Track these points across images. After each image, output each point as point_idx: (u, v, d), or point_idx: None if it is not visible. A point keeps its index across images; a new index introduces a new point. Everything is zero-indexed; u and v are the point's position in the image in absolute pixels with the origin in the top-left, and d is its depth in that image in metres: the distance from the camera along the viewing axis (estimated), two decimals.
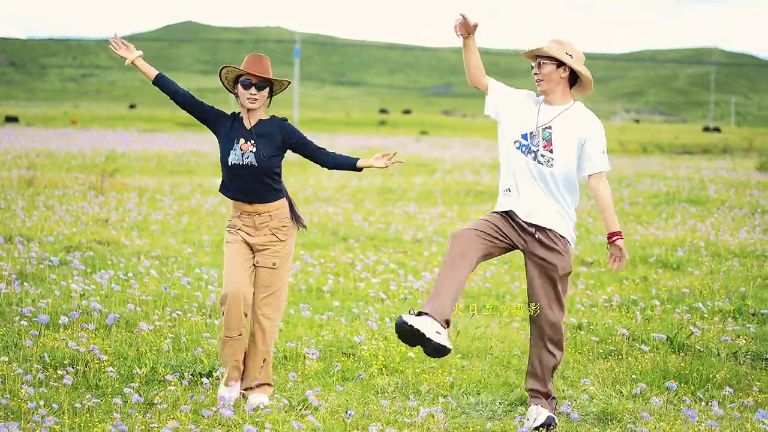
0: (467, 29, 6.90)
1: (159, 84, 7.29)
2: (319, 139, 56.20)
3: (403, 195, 23.18)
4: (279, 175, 7.14)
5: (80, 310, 9.11)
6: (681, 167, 35.17)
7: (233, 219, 7.19)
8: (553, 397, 7.03)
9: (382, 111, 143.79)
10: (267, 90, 7.11)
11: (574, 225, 7.01)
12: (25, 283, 10.23)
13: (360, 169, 7.21)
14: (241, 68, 7.09)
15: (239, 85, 7.10)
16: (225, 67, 7.12)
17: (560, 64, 6.86)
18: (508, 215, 6.94)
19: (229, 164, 7.06)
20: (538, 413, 6.85)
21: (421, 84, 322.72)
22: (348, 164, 7.20)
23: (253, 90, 7.05)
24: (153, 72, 7.25)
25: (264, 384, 7.22)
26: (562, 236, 6.88)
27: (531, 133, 6.87)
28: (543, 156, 6.82)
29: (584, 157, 6.89)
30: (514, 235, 6.91)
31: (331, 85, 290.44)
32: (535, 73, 6.92)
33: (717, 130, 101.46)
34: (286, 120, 7.22)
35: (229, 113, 7.26)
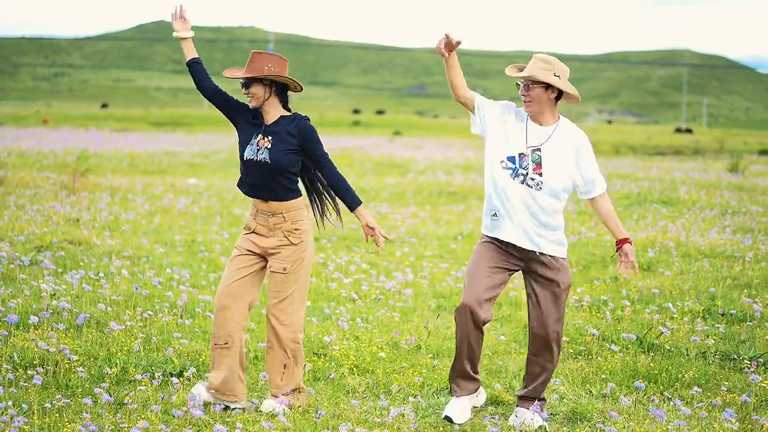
0: (449, 47, 6.83)
1: (190, 69, 7.26)
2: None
3: (376, 195, 23.19)
4: (295, 174, 7.02)
5: (50, 310, 9.08)
6: (653, 168, 35.33)
7: (249, 220, 7.11)
8: (544, 399, 7.09)
9: (356, 111, 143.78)
10: (261, 87, 6.95)
11: (566, 245, 6.99)
12: None
13: (351, 210, 7.03)
14: (226, 73, 7.06)
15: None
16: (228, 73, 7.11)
17: (548, 86, 6.77)
18: (500, 241, 6.92)
19: (245, 158, 7.00)
20: (534, 417, 6.89)
21: (394, 84, 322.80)
22: (346, 197, 7.01)
23: (245, 90, 7.01)
24: (191, 55, 7.24)
25: (294, 390, 7.08)
26: (556, 257, 6.91)
27: (520, 154, 6.78)
28: (533, 179, 6.75)
29: (583, 182, 6.88)
30: (510, 261, 6.92)
31: (304, 85, 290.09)
32: (524, 95, 6.79)
33: (689, 131, 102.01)
34: (308, 119, 7.06)
35: (250, 106, 7.14)
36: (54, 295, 9.74)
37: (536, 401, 6.97)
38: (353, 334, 9.21)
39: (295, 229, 6.98)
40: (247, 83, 6.96)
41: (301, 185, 7.19)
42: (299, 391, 7.11)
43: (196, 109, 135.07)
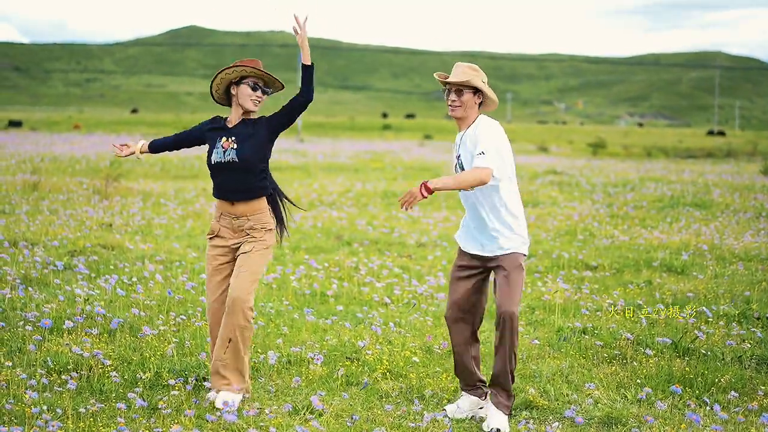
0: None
1: (154, 151, 7.49)
2: (323, 143, 56.26)
3: None
4: (263, 171, 7.16)
5: (84, 315, 9.12)
6: (685, 171, 35.16)
7: (213, 223, 7.28)
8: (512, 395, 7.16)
9: (384, 115, 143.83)
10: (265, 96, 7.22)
11: (516, 228, 7.01)
12: (30, 288, 10.22)
13: (308, 66, 7.07)
14: (253, 68, 7.11)
15: (244, 86, 7.10)
16: (235, 66, 7.13)
17: (476, 91, 7.00)
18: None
19: (212, 163, 7.13)
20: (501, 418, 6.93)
21: (424, 88, 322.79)
22: (303, 73, 7.14)
23: (260, 92, 7.13)
24: (146, 147, 7.50)
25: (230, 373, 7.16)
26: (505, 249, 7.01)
27: (455, 165, 7.09)
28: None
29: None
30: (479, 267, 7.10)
31: (335, 90, 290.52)
32: (453, 100, 7.02)
33: (721, 133, 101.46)
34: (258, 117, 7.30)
35: (209, 119, 7.36)
36: (88, 299, 9.77)
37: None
38: (386, 338, 9.19)
39: (261, 228, 7.17)
40: (266, 90, 7.23)
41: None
42: (243, 380, 7.17)
43: (226, 114, 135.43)
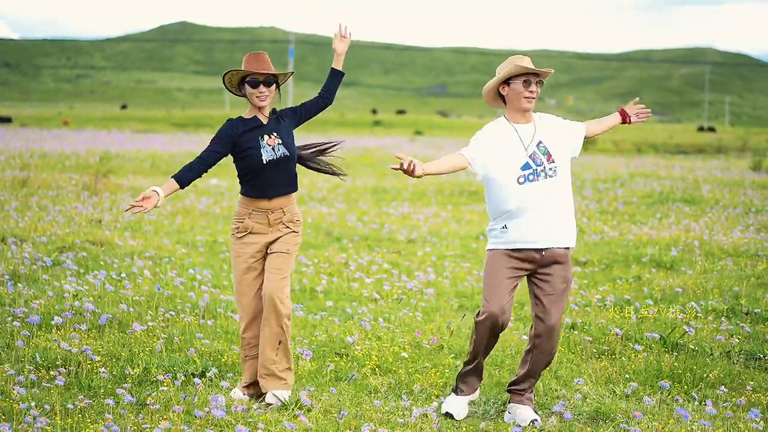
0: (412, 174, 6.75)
1: (186, 183, 7.13)
2: (313, 139, 56.03)
3: (397, 195, 23.18)
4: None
5: (73, 311, 9.11)
6: (675, 167, 35.21)
7: (244, 220, 7.21)
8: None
9: (374, 111, 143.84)
10: (274, 85, 7.20)
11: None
12: (18, 284, 10.20)
13: (342, 73, 7.50)
14: (244, 69, 7.11)
15: (246, 86, 7.13)
16: (228, 72, 7.16)
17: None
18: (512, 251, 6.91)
19: (265, 162, 7.11)
20: (528, 413, 6.92)
21: (415, 84, 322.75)
22: (333, 79, 7.51)
23: (262, 87, 7.14)
24: (176, 185, 7.04)
25: (288, 369, 7.27)
26: (567, 248, 6.94)
27: (531, 156, 6.83)
28: (551, 169, 6.81)
29: (573, 136, 7.02)
30: (523, 268, 6.94)
31: None
32: (532, 91, 6.85)
33: (711, 129, 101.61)
34: (279, 110, 7.36)
35: (228, 121, 7.26)
36: (76, 295, 9.76)
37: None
38: (375, 334, 9.19)
39: (297, 220, 7.27)
40: (269, 81, 7.16)
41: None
42: (290, 370, 7.25)
43: (218, 110, 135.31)
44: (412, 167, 6.63)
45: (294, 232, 7.23)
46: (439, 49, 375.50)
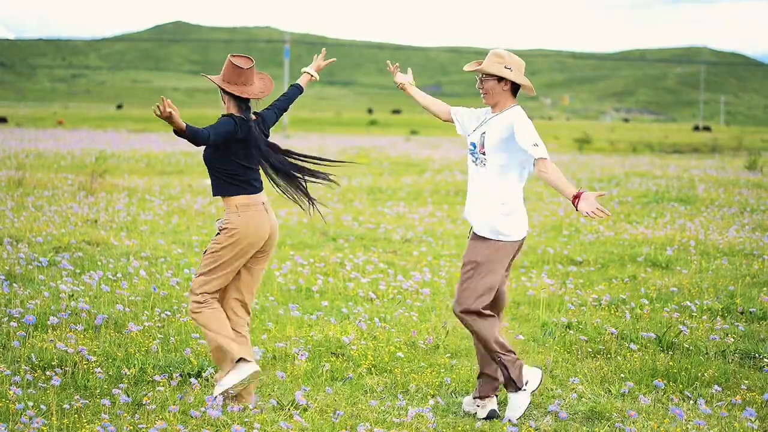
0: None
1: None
2: (309, 139, 56.15)
3: (393, 195, 23.18)
4: (219, 171, 7.04)
5: (69, 311, 9.10)
6: (670, 166, 35.23)
7: None
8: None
9: (370, 111, 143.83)
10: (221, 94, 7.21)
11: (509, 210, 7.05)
12: (14, 284, 10.20)
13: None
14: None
15: None
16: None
17: (501, 78, 7.06)
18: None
19: None
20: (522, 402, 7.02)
21: None
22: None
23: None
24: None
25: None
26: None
27: (473, 139, 7.17)
28: (480, 161, 7.09)
29: (518, 149, 7.03)
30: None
31: (321, 85, 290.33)
32: (480, 88, 7.15)
33: (707, 129, 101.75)
34: (225, 116, 7.09)
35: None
36: (72, 296, 9.75)
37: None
38: (371, 333, 9.20)
39: (222, 227, 7.07)
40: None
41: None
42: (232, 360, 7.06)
43: (213, 110, 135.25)
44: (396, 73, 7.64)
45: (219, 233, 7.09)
46: (434, 49, 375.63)
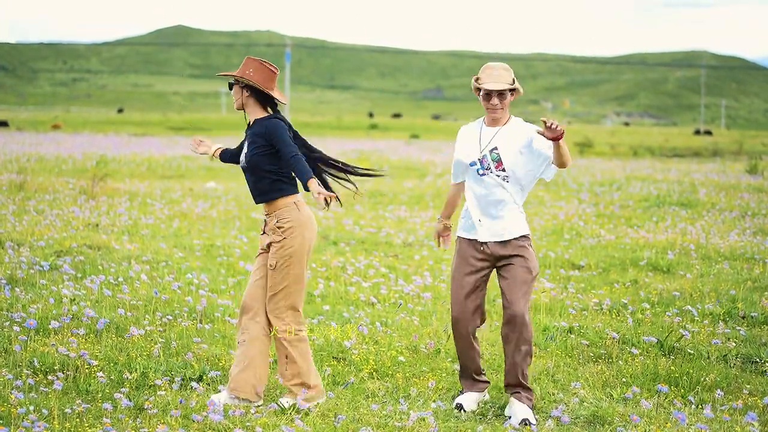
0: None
1: (223, 160, 7.60)
2: (310, 142, 55.97)
3: (394, 199, 23.19)
4: (274, 173, 7.07)
5: (70, 315, 9.10)
6: (671, 170, 35.23)
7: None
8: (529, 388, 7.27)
9: (370, 115, 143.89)
10: (237, 90, 7.18)
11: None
12: (16, 288, 10.21)
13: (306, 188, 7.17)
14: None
15: None
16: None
17: (512, 90, 7.09)
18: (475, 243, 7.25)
19: (241, 166, 7.25)
20: (521, 409, 7.03)
21: (411, 87, 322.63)
22: (300, 178, 7.08)
23: (233, 91, 7.27)
24: (218, 153, 7.61)
25: (301, 384, 7.21)
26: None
27: (482, 159, 7.11)
28: (498, 176, 7.06)
29: (542, 158, 7.03)
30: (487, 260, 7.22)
31: (321, 89, 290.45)
32: (495, 104, 7.05)
33: (708, 133, 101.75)
34: (274, 117, 7.14)
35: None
36: (74, 300, 9.76)
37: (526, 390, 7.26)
38: (372, 338, 9.19)
39: (279, 227, 7.09)
40: (230, 85, 7.22)
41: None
42: (308, 387, 7.18)
43: (214, 114, 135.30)
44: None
45: (278, 242, 7.07)
46: (434, 53, 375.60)
